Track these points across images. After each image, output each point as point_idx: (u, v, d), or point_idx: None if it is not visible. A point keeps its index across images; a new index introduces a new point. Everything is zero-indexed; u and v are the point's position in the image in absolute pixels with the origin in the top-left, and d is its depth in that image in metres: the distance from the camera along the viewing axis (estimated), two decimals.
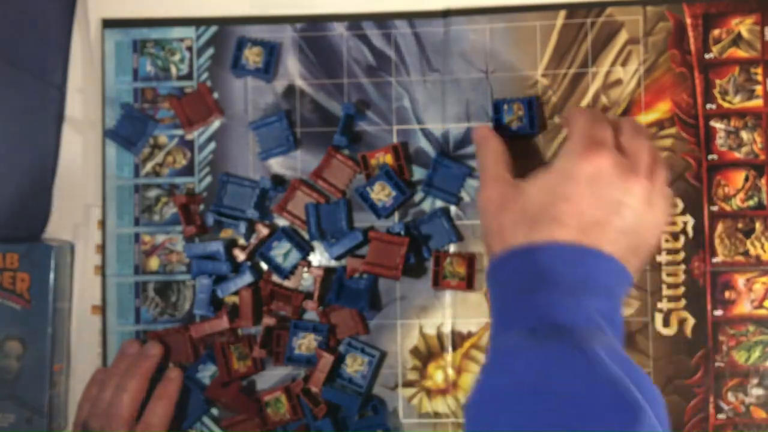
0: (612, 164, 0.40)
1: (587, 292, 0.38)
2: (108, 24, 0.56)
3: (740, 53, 0.53)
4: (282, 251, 0.53)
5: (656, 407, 0.33)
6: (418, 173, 0.54)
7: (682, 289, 0.52)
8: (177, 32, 0.56)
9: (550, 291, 0.38)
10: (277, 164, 0.55)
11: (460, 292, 0.53)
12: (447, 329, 0.53)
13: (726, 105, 0.52)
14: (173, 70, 0.56)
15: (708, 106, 0.53)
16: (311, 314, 0.54)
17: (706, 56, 0.53)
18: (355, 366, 0.52)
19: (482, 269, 0.53)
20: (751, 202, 0.52)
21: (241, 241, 0.54)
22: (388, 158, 0.53)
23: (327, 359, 0.50)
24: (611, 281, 0.39)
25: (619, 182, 0.40)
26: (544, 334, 0.36)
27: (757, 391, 0.51)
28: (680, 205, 0.52)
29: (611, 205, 0.40)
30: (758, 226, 0.52)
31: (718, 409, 0.52)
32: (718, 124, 0.53)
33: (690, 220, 0.52)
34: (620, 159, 0.40)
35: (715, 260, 0.52)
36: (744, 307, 0.52)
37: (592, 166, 0.40)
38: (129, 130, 0.55)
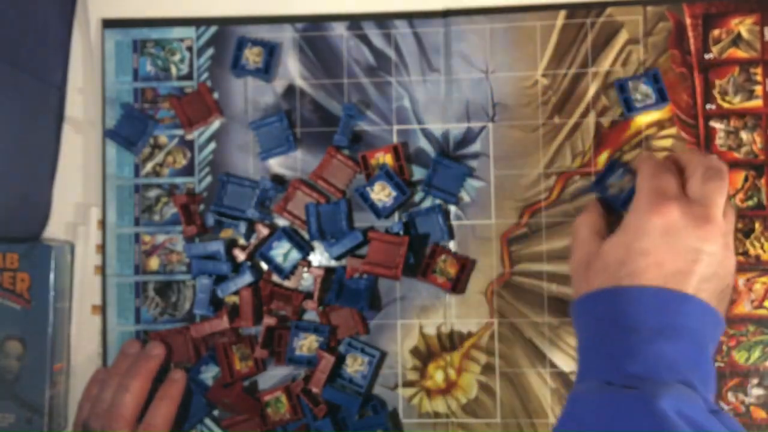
0: (681, 215, 0.40)
1: (670, 338, 0.37)
2: (108, 24, 0.56)
3: (740, 53, 0.53)
4: (282, 251, 0.53)
5: None
6: (418, 173, 0.54)
7: None
8: (177, 32, 0.55)
9: (630, 337, 0.38)
10: (277, 164, 0.55)
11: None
12: (447, 329, 0.53)
13: (726, 105, 0.53)
14: (173, 70, 0.56)
15: (708, 106, 0.53)
16: (311, 314, 0.54)
17: (706, 56, 0.53)
18: (355, 366, 0.52)
19: (474, 272, 0.53)
20: (750, 202, 0.52)
21: (241, 241, 0.54)
22: (388, 158, 0.53)
23: (328, 360, 0.50)
24: (696, 324, 0.39)
25: (693, 231, 0.39)
26: (616, 387, 0.36)
27: (757, 391, 0.51)
28: None
29: (690, 254, 0.39)
30: (758, 226, 0.52)
31: None
32: (717, 124, 0.53)
33: None
34: (689, 208, 0.40)
35: None
36: (744, 307, 0.52)
37: (661, 219, 0.40)
38: (129, 130, 0.55)
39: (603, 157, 0.53)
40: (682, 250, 0.39)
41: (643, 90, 0.51)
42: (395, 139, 0.54)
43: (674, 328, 0.38)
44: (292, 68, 0.55)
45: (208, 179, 0.55)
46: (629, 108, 0.51)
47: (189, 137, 0.55)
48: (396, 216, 0.54)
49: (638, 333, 0.38)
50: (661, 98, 0.51)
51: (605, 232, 0.45)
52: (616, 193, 0.49)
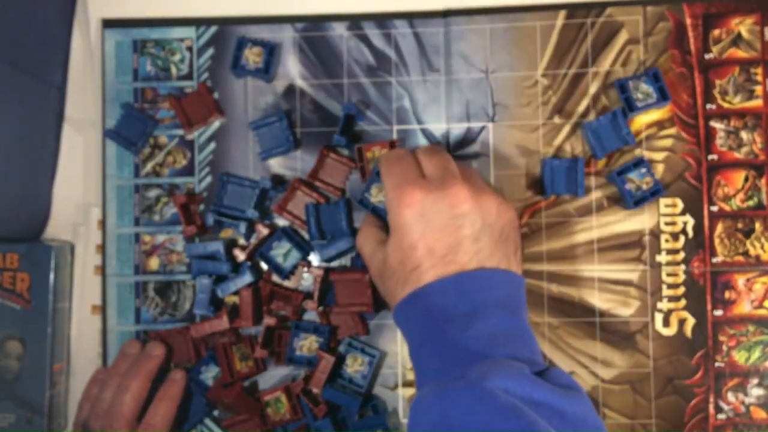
0: (423, 192, 0.41)
1: (481, 317, 0.38)
2: (108, 24, 0.56)
3: (740, 53, 0.53)
4: (282, 251, 0.53)
5: (572, 407, 0.34)
6: None
7: (682, 289, 0.52)
8: (177, 32, 0.55)
9: (447, 330, 0.38)
10: (277, 164, 0.55)
11: None
12: None
13: (726, 105, 0.53)
14: (173, 70, 0.56)
15: (708, 106, 0.53)
16: (311, 314, 0.54)
17: (706, 56, 0.53)
18: (355, 366, 0.52)
19: None
20: (750, 202, 0.52)
21: (241, 241, 0.54)
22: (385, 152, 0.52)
23: (328, 361, 0.50)
24: (498, 293, 0.40)
25: (441, 202, 0.41)
26: (446, 382, 0.37)
27: (757, 391, 0.51)
28: (680, 205, 0.52)
29: (450, 225, 0.40)
30: (758, 226, 0.52)
31: (718, 409, 0.52)
32: (718, 124, 0.53)
33: (690, 220, 0.52)
34: (427, 183, 0.42)
35: (715, 260, 0.52)
36: (744, 307, 0.52)
37: (410, 208, 0.41)
38: (129, 130, 0.55)
39: (603, 159, 0.53)
40: (442, 225, 0.40)
41: (643, 89, 0.51)
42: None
43: (480, 306, 0.39)
44: (292, 68, 0.55)
45: (208, 179, 0.55)
46: (631, 107, 0.51)
47: (189, 137, 0.55)
48: None
49: (452, 323, 0.38)
50: (663, 96, 0.51)
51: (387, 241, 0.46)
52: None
